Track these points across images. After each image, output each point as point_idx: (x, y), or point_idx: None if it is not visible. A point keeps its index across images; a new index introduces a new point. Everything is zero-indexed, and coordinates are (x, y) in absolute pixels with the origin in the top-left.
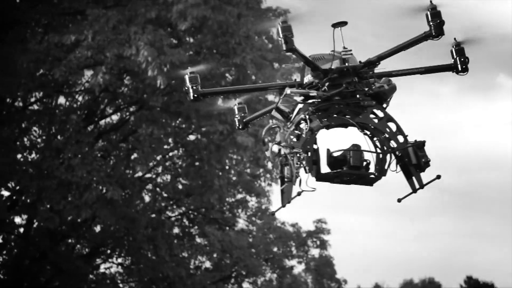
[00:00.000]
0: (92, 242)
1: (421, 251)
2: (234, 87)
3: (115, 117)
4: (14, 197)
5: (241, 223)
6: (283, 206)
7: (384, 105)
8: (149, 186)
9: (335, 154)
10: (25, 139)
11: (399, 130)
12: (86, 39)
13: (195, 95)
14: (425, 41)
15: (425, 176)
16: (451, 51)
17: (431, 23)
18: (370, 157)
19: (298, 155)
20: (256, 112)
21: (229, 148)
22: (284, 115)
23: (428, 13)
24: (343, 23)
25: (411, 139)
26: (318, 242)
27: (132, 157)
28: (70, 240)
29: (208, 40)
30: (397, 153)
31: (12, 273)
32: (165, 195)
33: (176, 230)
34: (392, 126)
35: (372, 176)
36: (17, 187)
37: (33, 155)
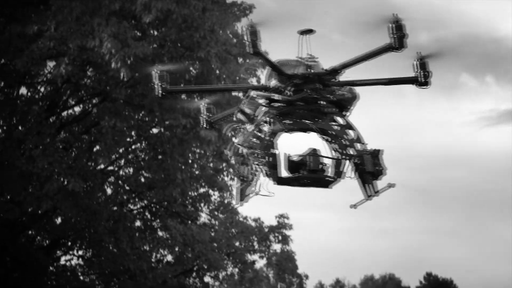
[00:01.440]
0: (52, 234)
1: (382, 248)
2: (202, 86)
3: (77, 109)
4: None
5: (203, 217)
6: (239, 204)
7: (346, 113)
8: (111, 179)
9: (294, 159)
10: None
11: (358, 138)
12: (49, 30)
13: (163, 93)
14: (387, 52)
15: (381, 183)
16: (414, 64)
17: (393, 36)
18: (328, 161)
19: (257, 156)
20: (221, 113)
21: (192, 142)
22: (248, 116)
23: (392, 26)
24: (310, 31)
25: (373, 139)
26: (280, 237)
27: (94, 149)
28: (30, 232)
29: (172, 34)
30: (355, 160)
31: None
32: (127, 188)
33: (138, 223)
34: (352, 133)
35: (329, 179)
36: None
37: None
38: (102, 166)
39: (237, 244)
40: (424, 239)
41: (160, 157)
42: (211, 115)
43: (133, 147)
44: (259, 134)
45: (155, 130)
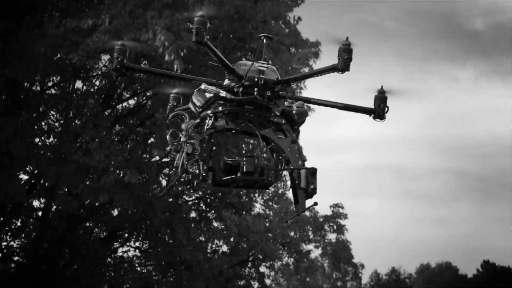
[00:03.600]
0: (110, 226)
1: (438, 236)
2: (160, 70)
3: (132, 102)
4: (33, 181)
5: (258, 208)
6: (167, 189)
7: (294, 127)
8: (166, 171)
9: (229, 161)
10: (43, 123)
11: (300, 154)
12: (103, 24)
13: (118, 66)
14: (331, 73)
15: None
16: (375, 96)
17: (340, 57)
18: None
19: (192, 146)
20: (185, 105)
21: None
22: (196, 107)
23: (341, 47)
24: (269, 37)
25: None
26: (335, 227)
27: (149, 141)
28: (88, 224)
29: (225, 25)
30: (291, 174)
31: (30, 256)
32: (182, 179)
33: (193, 214)
34: (294, 147)
35: (266, 181)
36: (36, 171)
37: (51, 139)
38: (157, 158)
39: (292, 234)
40: (481, 228)
41: (214, 148)
42: (176, 104)
43: None
44: (200, 127)
45: None
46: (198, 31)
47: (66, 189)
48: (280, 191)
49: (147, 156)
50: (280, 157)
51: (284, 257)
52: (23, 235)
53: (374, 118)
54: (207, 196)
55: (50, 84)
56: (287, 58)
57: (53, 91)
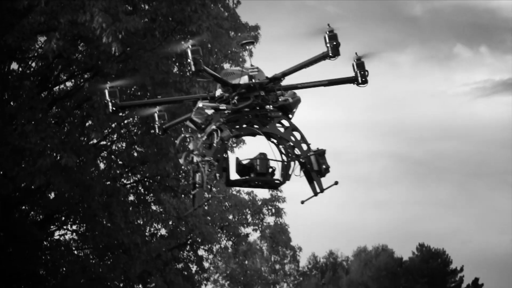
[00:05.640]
0: (46, 209)
1: (375, 219)
2: (153, 100)
3: (69, 84)
4: None
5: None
6: (195, 209)
7: (290, 116)
8: (104, 154)
9: (243, 162)
10: None
11: (303, 139)
12: (39, 4)
13: (114, 108)
14: (323, 60)
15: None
16: (352, 65)
17: (328, 45)
18: (275, 164)
19: (209, 163)
20: (174, 120)
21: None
22: (197, 125)
23: (326, 35)
24: (251, 43)
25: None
26: (273, 210)
27: (87, 124)
28: (24, 207)
29: (163, 7)
30: (300, 159)
31: None
32: (120, 162)
33: (131, 198)
34: (297, 135)
35: (277, 181)
36: None
37: None
38: (94, 141)
39: (230, 217)
40: (417, 211)
41: (152, 131)
42: (163, 121)
43: (125, 121)
44: (209, 142)
45: None
46: (196, 61)
47: (1, 172)
48: (218, 175)
49: (85, 139)
50: (289, 150)
51: (222, 240)
52: None
53: (357, 84)
54: (145, 179)
55: None
56: (226, 41)
57: None
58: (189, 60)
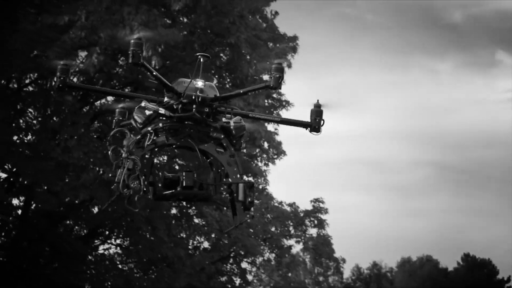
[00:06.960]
0: (90, 224)
1: (418, 229)
2: (103, 88)
3: (110, 98)
4: (11, 179)
5: None
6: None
7: (234, 142)
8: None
9: (169, 176)
10: (21, 121)
11: (237, 167)
12: (79, 20)
13: (60, 85)
14: (264, 89)
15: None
16: (311, 110)
17: (272, 76)
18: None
19: (133, 161)
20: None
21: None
22: (137, 124)
23: (273, 66)
24: (206, 56)
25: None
26: (315, 222)
27: None
28: (68, 222)
29: (202, 20)
30: (229, 187)
31: (10, 254)
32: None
33: (174, 211)
34: (232, 161)
35: (206, 194)
36: (14, 169)
37: (29, 136)
38: None
39: (273, 229)
40: (460, 220)
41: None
42: (121, 118)
43: None
44: (141, 143)
45: None
46: (134, 54)
47: (45, 187)
48: (260, 187)
49: None
50: (219, 171)
51: (265, 252)
52: (2, 234)
53: (310, 131)
54: None
55: (27, 81)
56: (265, 53)
57: (31, 88)
58: (128, 52)
